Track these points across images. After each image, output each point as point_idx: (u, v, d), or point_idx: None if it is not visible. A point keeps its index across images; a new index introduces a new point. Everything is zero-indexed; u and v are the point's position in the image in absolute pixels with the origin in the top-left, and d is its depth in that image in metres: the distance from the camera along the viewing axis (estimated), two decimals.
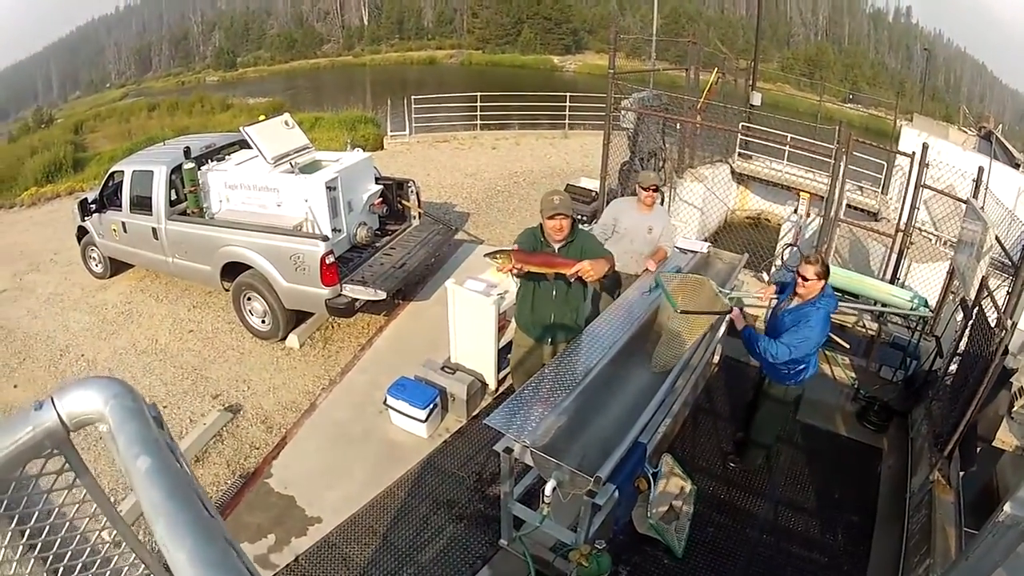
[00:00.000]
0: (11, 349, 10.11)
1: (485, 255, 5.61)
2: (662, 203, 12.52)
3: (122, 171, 10.47)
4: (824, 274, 5.56)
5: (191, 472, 1.01)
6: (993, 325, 5.93)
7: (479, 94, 22.73)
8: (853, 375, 8.31)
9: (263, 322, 9.42)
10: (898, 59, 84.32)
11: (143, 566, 1.50)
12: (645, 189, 7.16)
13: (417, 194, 10.68)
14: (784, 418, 6.41)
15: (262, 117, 10.17)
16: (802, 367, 5.86)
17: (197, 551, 0.85)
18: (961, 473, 6.12)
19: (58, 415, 1.12)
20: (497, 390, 7.76)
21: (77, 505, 1.32)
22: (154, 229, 9.98)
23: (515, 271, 5.27)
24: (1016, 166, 14.61)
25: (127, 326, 10.34)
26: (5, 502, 1.19)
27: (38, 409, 1.13)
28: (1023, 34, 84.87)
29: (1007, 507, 3.87)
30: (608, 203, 9.78)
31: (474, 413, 7.45)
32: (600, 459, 4.23)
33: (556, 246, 5.64)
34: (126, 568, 1.48)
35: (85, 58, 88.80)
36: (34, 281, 12.37)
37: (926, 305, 7.90)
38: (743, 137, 15.41)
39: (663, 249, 7.33)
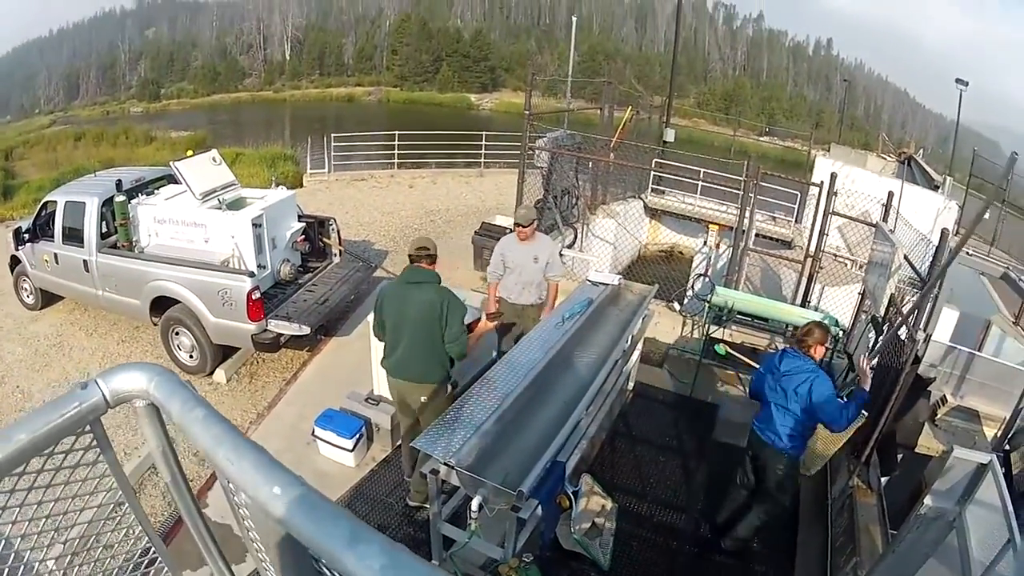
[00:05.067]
0: None
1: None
2: (574, 240, 12.98)
3: (55, 201, 10.47)
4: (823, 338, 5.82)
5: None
6: (904, 338, 6.35)
7: (397, 132, 23.05)
8: None
9: (191, 356, 9.50)
10: (817, 90, 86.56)
11: (146, 538, 1.82)
12: (517, 226, 7.72)
13: (338, 232, 10.93)
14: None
15: (190, 152, 10.24)
16: None
17: (257, 459, 1.14)
18: (885, 478, 6.49)
19: (102, 393, 1.36)
20: None
21: (97, 479, 1.55)
22: (85, 261, 9.99)
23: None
24: (935, 188, 15.37)
25: (59, 359, 10.32)
26: (38, 472, 1.39)
27: (83, 388, 1.35)
28: (943, 58, 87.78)
29: (928, 500, 4.26)
30: None
31: (399, 442, 7.54)
32: (522, 476, 4.43)
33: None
34: (132, 540, 1.78)
35: (19, 81, 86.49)
36: None
37: (837, 324, 8.29)
38: (656, 173, 15.94)
39: (554, 285, 7.92)
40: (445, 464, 4.49)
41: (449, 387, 6.53)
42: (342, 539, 0.97)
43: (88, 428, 1.40)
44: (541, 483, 4.53)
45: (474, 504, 4.40)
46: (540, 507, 4.52)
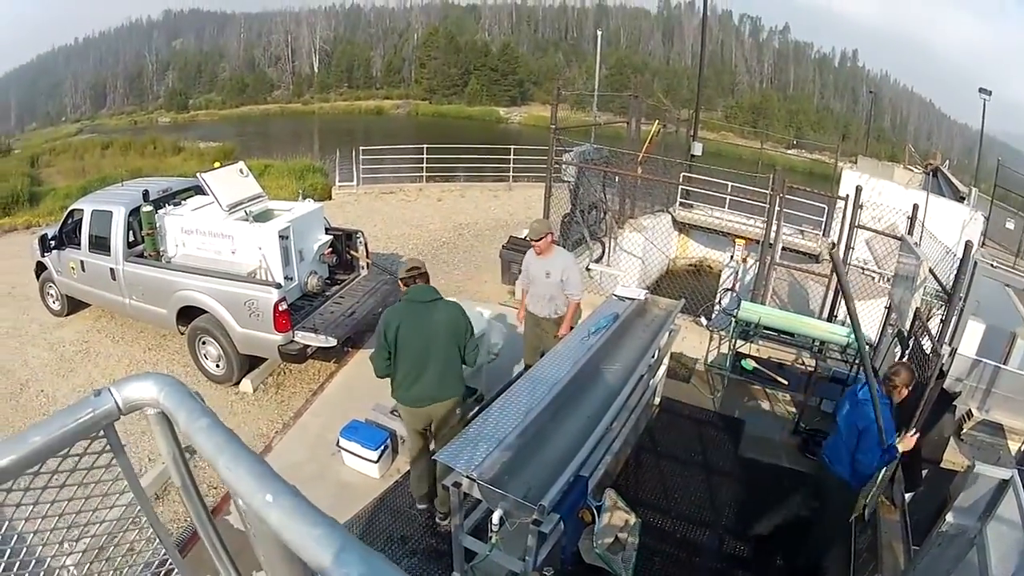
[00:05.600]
0: None
1: None
2: (602, 254, 12.90)
3: (81, 210, 10.55)
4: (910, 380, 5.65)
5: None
6: (929, 352, 6.27)
7: (426, 146, 23.05)
8: (793, 410, 8.69)
9: (217, 366, 9.53)
10: (844, 102, 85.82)
11: (158, 540, 1.86)
12: (531, 241, 7.82)
13: (365, 245, 10.88)
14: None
15: (217, 164, 10.30)
16: None
17: (253, 468, 1.18)
18: (909, 494, 6.42)
19: (115, 400, 1.42)
20: None
21: (111, 482, 1.61)
22: (112, 270, 10.06)
23: None
24: (961, 199, 15.21)
25: (84, 365, 10.38)
26: (53, 473, 1.46)
27: (97, 395, 1.41)
28: (967, 68, 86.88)
29: (949, 517, 4.21)
30: None
31: None
32: (544, 490, 4.41)
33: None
34: (143, 542, 1.83)
35: (44, 88, 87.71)
36: None
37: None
38: (684, 187, 15.85)
39: (572, 303, 7.87)
40: (467, 477, 4.47)
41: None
42: (324, 545, 1.02)
43: (102, 433, 1.48)
44: (563, 497, 4.52)
45: (495, 517, 4.44)
46: (562, 521, 4.48)
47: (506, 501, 4.35)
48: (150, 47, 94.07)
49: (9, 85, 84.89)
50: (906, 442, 5.39)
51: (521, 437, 4.96)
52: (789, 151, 54.28)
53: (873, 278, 11.89)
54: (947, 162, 22.51)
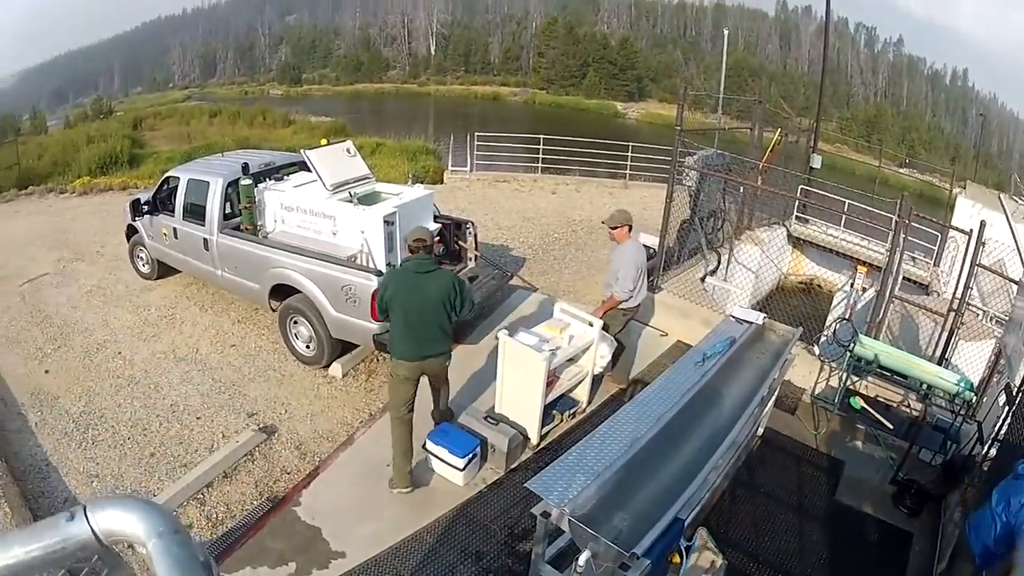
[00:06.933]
0: (47, 334, 10.25)
1: None
2: (717, 266, 12.35)
3: (178, 177, 10.57)
4: None
5: None
6: None
7: (542, 136, 22.71)
8: (893, 456, 8.08)
9: (308, 347, 9.34)
10: (953, 122, 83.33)
11: None
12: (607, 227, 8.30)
13: (475, 236, 10.48)
14: None
15: (324, 141, 10.12)
16: None
17: None
18: None
19: (92, 530, 1.09)
20: (538, 445, 7.62)
21: None
22: (205, 240, 10.04)
23: None
24: None
25: (168, 331, 10.39)
26: None
27: (69, 520, 1.10)
28: None
29: None
30: (666, 262, 9.75)
31: (512, 466, 7.31)
32: (638, 533, 4.16)
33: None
34: None
35: (148, 55, 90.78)
36: (77, 270, 12.57)
37: (971, 389, 7.72)
38: (802, 201, 15.20)
39: (609, 297, 8.23)
40: (559, 509, 4.27)
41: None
42: None
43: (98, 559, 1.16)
44: (657, 541, 4.22)
45: (582, 558, 4.18)
46: (650, 566, 4.16)
47: (596, 542, 4.10)
48: (262, 21, 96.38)
49: (113, 50, 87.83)
50: None
51: (621, 471, 4.71)
52: (901, 169, 52.66)
53: (977, 314, 11.04)
54: None
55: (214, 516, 6.70)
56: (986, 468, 6.68)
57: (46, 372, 9.27)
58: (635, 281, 8.13)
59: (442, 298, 6.58)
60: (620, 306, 8.20)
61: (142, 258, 11.86)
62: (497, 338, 7.44)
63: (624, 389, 8.94)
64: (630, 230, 8.20)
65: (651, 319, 10.56)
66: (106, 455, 7.57)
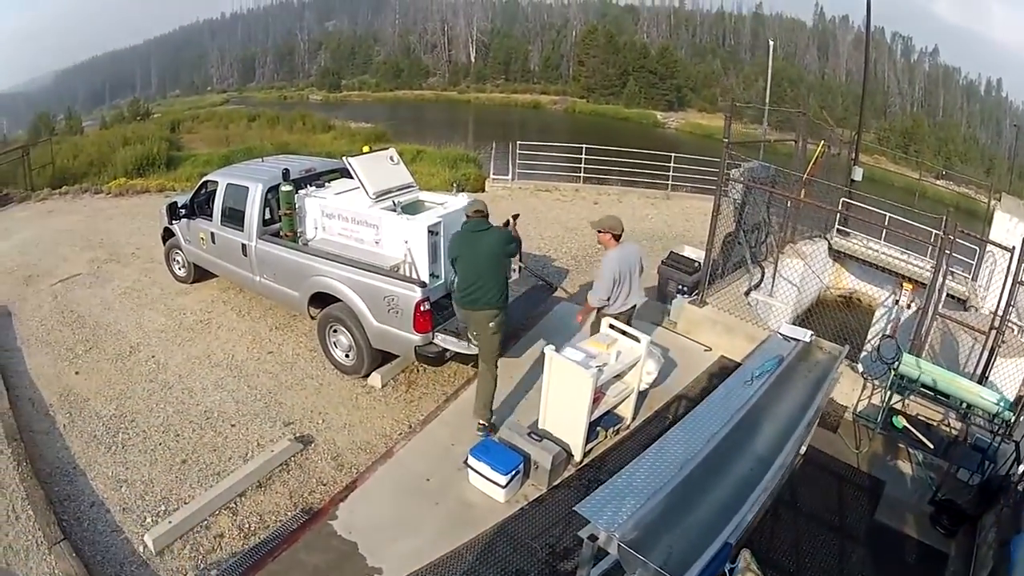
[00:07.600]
0: (79, 335, 10.27)
1: None
2: (761, 279, 12.21)
3: (216, 182, 10.56)
4: None
5: None
6: None
7: (584, 146, 22.52)
8: (931, 475, 7.97)
9: (347, 356, 9.25)
10: (988, 133, 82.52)
11: None
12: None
13: (519, 246, 10.33)
14: None
15: (366, 148, 10.10)
16: None
17: None
18: None
19: None
20: (582, 462, 7.48)
21: None
22: (244, 245, 10.01)
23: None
24: None
25: (204, 335, 10.37)
26: None
27: None
28: None
29: None
30: (711, 276, 9.58)
31: (555, 483, 7.17)
32: (686, 558, 4.13)
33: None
34: None
35: (187, 59, 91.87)
36: (112, 271, 12.62)
37: (1010, 408, 7.61)
38: (843, 214, 14.98)
39: (587, 303, 8.34)
40: (607, 533, 4.20)
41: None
42: None
43: None
44: (705, 568, 4.17)
45: None
46: None
47: (646, 569, 4.05)
48: (301, 26, 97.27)
49: (150, 53, 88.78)
50: None
51: (671, 495, 4.64)
52: (938, 181, 52.06)
53: (1013, 329, 10.75)
54: None
55: (246, 526, 6.66)
56: (1021, 488, 6.65)
57: (76, 373, 9.27)
58: (609, 290, 8.02)
59: (496, 250, 7.46)
60: (603, 311, 8.21)
61: (178, 261, 11.88)
62: (543, 353, 7.29)
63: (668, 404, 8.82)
64: (618, 239, 8.20)
65: (696, 334, 10.40)
66: (136, 460, 7.55)
